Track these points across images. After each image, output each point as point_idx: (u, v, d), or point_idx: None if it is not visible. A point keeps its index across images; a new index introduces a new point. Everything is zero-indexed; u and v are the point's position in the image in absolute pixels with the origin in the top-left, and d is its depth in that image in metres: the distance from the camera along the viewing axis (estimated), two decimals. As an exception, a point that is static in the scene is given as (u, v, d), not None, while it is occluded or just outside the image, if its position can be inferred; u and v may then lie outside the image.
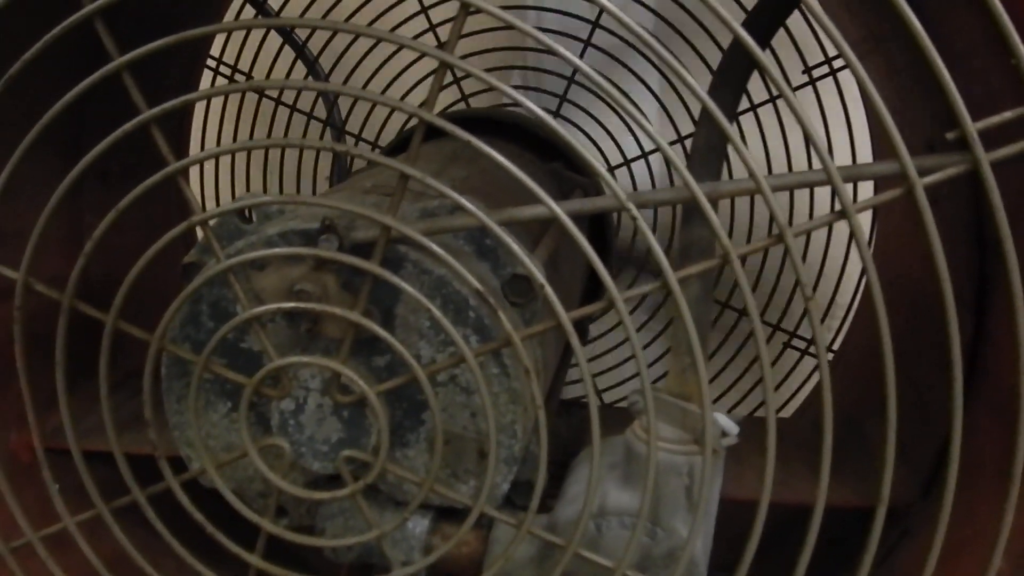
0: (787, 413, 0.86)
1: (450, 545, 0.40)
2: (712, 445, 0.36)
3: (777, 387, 0.89)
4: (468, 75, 0.34)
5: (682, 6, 0.83)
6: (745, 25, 0.44)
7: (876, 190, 0.74)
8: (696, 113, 0.85)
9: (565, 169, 0.71)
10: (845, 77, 0.80)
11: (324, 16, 0.87)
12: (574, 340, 0.35)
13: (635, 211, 0.33)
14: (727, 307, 0.89)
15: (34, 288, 0.40)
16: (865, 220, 0.79)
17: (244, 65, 0.90)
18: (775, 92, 0.81)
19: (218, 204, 0.96)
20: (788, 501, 0.46)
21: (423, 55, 0.86)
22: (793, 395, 0.87)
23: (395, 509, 0.42)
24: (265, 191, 0.94)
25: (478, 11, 0.33)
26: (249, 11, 0.88)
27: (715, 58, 0.81)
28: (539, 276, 0.35)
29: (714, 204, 0.34)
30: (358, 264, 0.36)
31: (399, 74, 0.89)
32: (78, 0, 0.36)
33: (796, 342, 0.88)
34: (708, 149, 0.41)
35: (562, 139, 0.34)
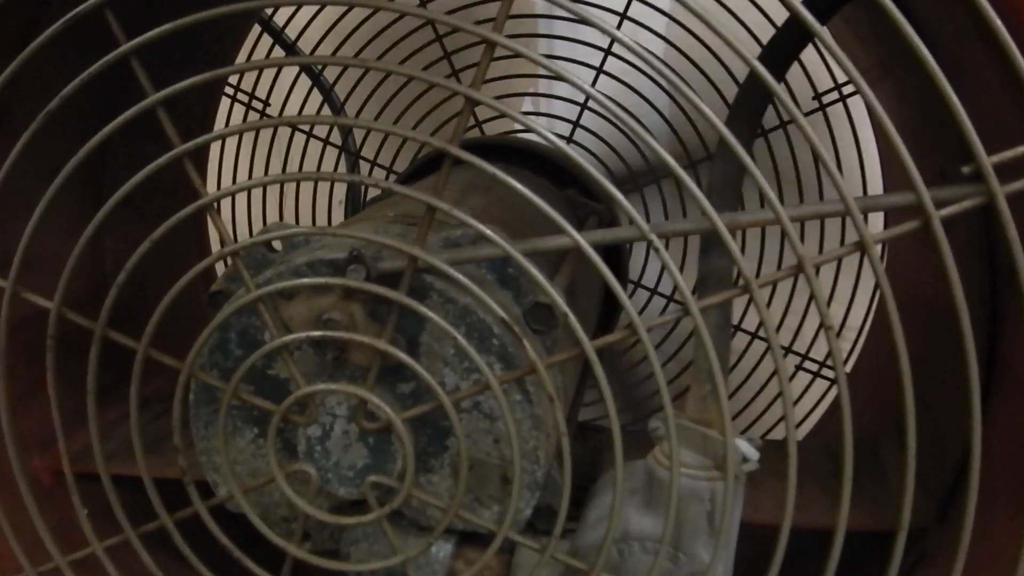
0: (799, 436, 0.86)
1: (474, 570, 0.41)
2: (734, 471, 0.36)
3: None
4: (482, 103, 0.35)
5: (692, 33, 0.84)
6: (761, 58, 0.45)
7: (886, 217, 0.75)
8: (707, 138, 0.86)
9: (579, 196, 0.72)
10: (855, 103, 0.81)
11: (339, 46, 0.88)
12: (598, 369, 0.36)
13: (657, 242, 0.34)
14: (738, 329, 0.90)
15: (66, 317, 0.41)
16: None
17: (261, 92, 0.92)
18: (786, 118, 0.82)
19: (234, 225, 0.97)
20: (802, 525, 0.47)
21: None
22: (805, 417, 0.87)
23: (419, 534, 0.43)
24: (280, 214, 0.96)
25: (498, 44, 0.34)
26: (267, 39, 0.89)
27: (724, 83, 0.82)
28: (563, 305, 0.36)
29: (733, 235, 0.35)
30: (386, 294, 0.37)
31: (414, 101, 0.90)
32: (114, 37, 0.37)
33: (808, 364, 0.88)
34: (725, 181, 0.42)
35: (587, 172, 0.35)
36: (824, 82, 0.82)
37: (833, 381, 0.87)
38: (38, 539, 0.45)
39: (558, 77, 0.34)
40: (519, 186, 0.35)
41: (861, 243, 0.33)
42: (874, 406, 0.72)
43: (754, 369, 0.89)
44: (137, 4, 0.40)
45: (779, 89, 0.34)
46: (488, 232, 0.36)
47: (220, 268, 0.88)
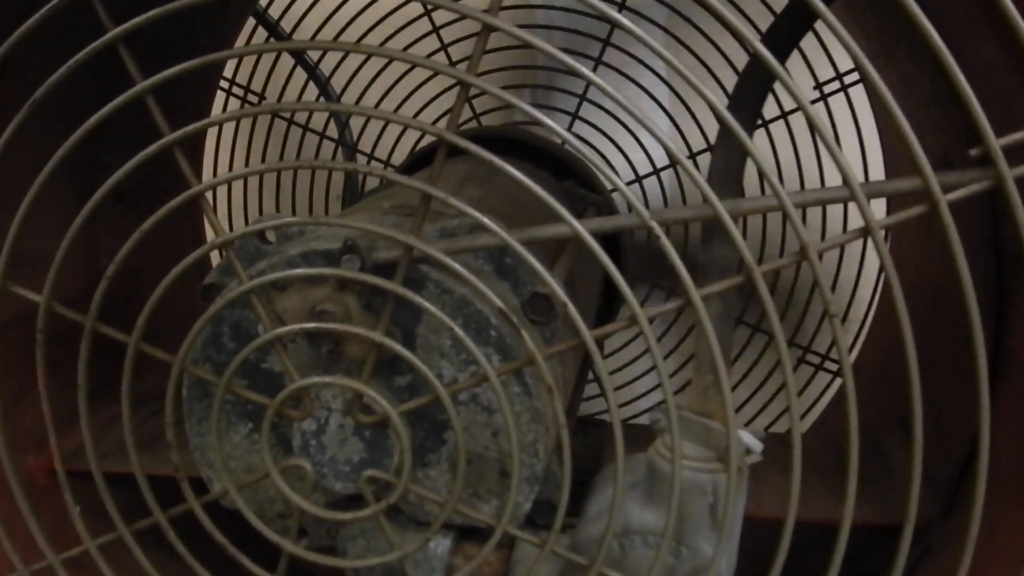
0: (801, 429, 0.85)
1: (473, 565, 0.40)
2: (737, 463, 0.35)
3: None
4: (481, 93, 0.35)
5: (692, 23, 0.83)
6: (763, 42, 0.44)
7: (888, 205, 0.74)
8: (707, 129, 0.85)
9: (578, 187, 0.71)
10: (856, 93, 0.80)
11: (336, 37, 0.87)
12: (598, 359, 0.35)
13: (658, 229, 0.34)
14: (739, 323, 0.89)
15: (56, 311, 0.41)
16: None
17: (256, 85, 0.91)
18: (786, 108, 0.81)
19: (230, 221, 0.97)
20: (805, 519, 0.46)
21: (436, 73, 0.87)
22: (807, 411, 0.87)
23: (416, 529, 0.42)
24: (277, 210, 0.95)
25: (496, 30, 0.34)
26: (261, 32, 0.89)
27: (724, 74, 0.82)
28: (562, 295, 0.35)
29: (735, 223, 0.34)
30: (381, 284, 0.36)
31: (411, 94, 0.89)
32: (101, 24, 0.36)
33: (810, 357, 0.88)
34: (726, 168, 0.42)
35: (588, 160, 0.35)
36: (825, 72, 0.81)
37: (835, 374, 0.86)
38: (34, 539, 0.45)
39: (560, 64, 0.33)
40: (517, 173, 0.34)
41: (866, 228, 0.32)
42: (877, 400, 0.71)
43: (755, 363, 0.89)
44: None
45: (783, 72, 0.33)
46: (485, 220, 0.35)
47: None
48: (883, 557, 0.53)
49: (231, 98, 0.90)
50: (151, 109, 0.36)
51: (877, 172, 0.81)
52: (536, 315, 0.41)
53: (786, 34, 0.43)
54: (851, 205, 0.76)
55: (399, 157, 0.93)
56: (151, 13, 0.35)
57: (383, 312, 0.37)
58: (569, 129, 0.89)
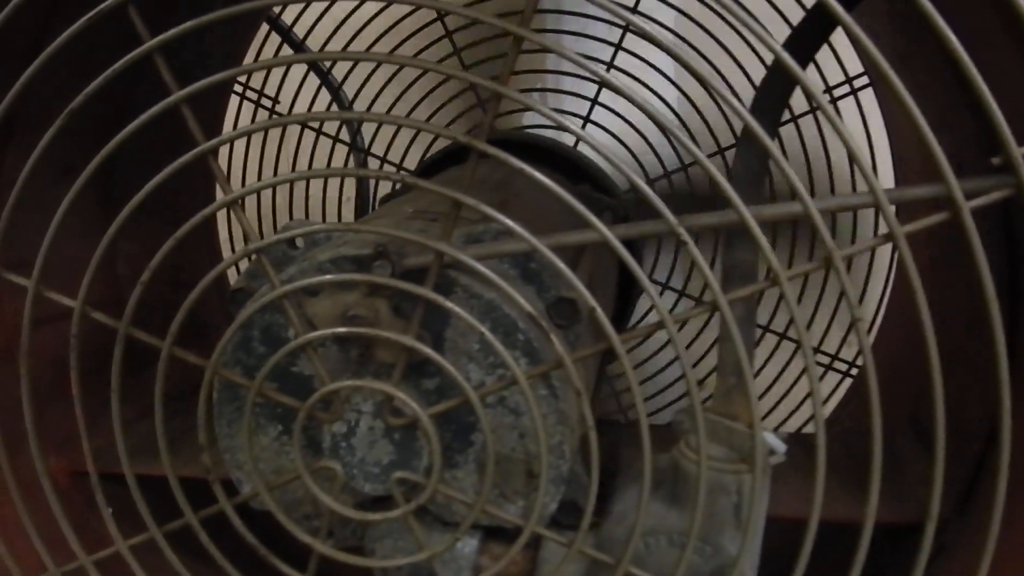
0: (811, 429, 0.86)
1: (500, 565, 0.41)
2: (761, 464, 0.36)
3: (801, 403, 0.90)
4: (499, 99, 0.35)
5: (702, 27, 0.84)
6: (784, 47, 0.44)
7: (897, 209, 0.75)
8: (719, 134, 0.86)
9: (593, 191, 0.72)
10: (865, 96, 0.81)
11: (347, 44, 0.88)
12: (626, 362, 0.36)
13: (686, 235, 0.34)
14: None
15: (89, 316, 0.41)
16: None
17: (270, 90, 0.91)
18: (796, 112, 0.82)
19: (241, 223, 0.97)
20: (821, 519, 0.47)
21: (448, 78, 0.88)
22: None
23: (443, 529, 0.43)
24: (290, 212, 0.96)
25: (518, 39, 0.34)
26: (275, 38, 0.89)
27: (734, 77, 0.82)
28: (591, 299, 0.36)
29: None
30: (413, 290, 0.37)
31: (422, 99, 0.90)
32: (137, 35, 0.37)
33: (820, 358, 0.88)
34: (747, 174, 0.42)
35: (617, 165, 0.35)
36: (834, 75, 0.82)
37: (845, 374, 0.87)
38: (55, 540, 0.45)
39: (577, 69, 0.34)
40: (548, 182, 0.35)
41: (891, 235, 0.33)
42: (888, 399, 0.72)
43: (765, 363, 0.90)
44: (152, 4, 0.40)
45: (806, 80, 0.34)
46: (515, 227, 0.36)
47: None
48: (893, 556, 0.54)
49: (245, 102, 0.91)
50: (187, 119, 0.37)
51: (885, 173, 0.82)
52: (561, 319, 0.42)
53: (807, 39, 0.43)
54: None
55: (411, 161, 0.93)
56: (186, 25, 0.36)
57: (413, 316, 0.38)
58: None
